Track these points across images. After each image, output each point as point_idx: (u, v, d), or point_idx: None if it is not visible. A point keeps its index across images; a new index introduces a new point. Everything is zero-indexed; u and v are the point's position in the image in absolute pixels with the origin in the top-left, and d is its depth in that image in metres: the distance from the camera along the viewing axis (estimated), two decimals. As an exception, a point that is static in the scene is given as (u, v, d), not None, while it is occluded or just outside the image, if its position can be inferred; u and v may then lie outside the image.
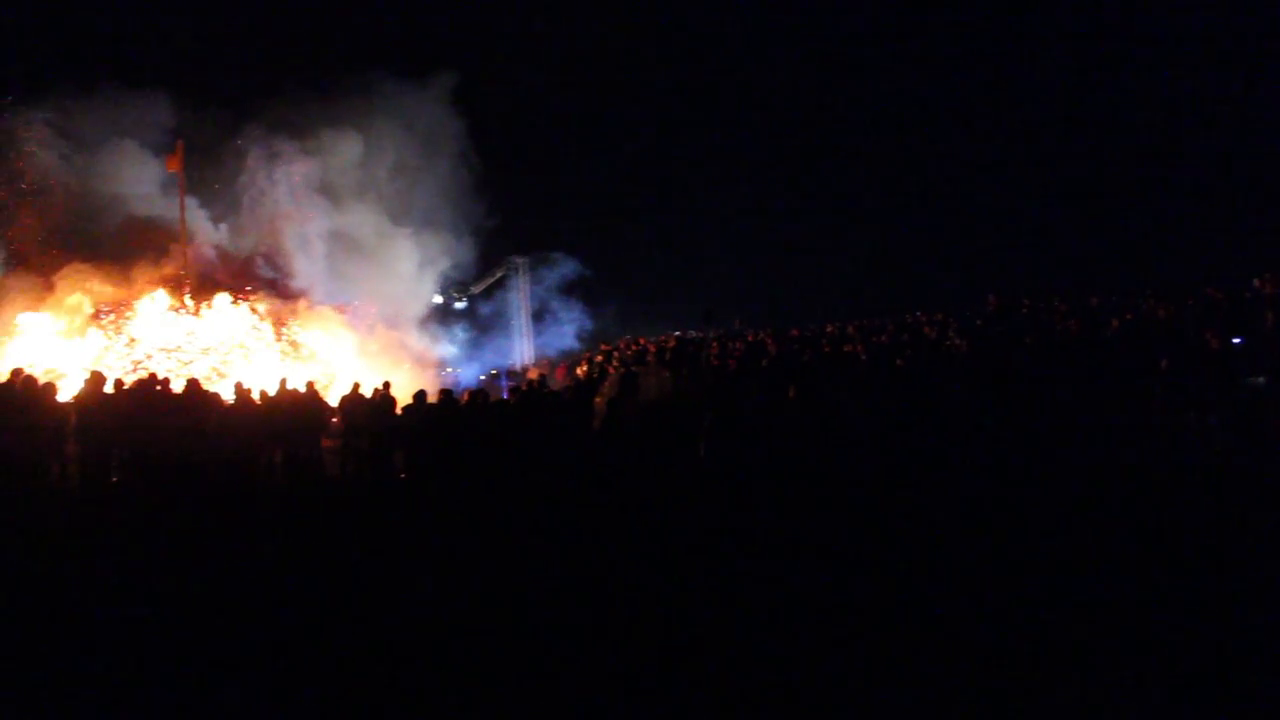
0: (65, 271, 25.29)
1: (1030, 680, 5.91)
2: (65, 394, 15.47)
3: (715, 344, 20.70)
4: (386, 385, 15.56)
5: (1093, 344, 14.80)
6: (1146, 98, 42.66)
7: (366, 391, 15.61)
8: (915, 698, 5.74)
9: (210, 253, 27.14)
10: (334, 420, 16.05)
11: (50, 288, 24.98)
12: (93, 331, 24.57)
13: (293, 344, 26.65)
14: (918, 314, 22.62)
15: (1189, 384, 12.29)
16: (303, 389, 15.61)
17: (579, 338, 36.02)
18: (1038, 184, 47.07)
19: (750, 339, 22.18)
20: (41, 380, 14.57)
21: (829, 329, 23.13)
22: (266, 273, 28.09)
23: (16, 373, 14.73)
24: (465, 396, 15.32)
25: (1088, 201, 43.42)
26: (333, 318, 27.86)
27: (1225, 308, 14.65)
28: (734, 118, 56.81)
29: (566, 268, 37.10)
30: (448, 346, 34.79)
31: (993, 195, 48.80)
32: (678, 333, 27.21)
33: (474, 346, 36.56)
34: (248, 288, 26.95)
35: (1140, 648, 6.37)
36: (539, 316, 37.93)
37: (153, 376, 14.87)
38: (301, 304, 27.68)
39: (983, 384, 13.65)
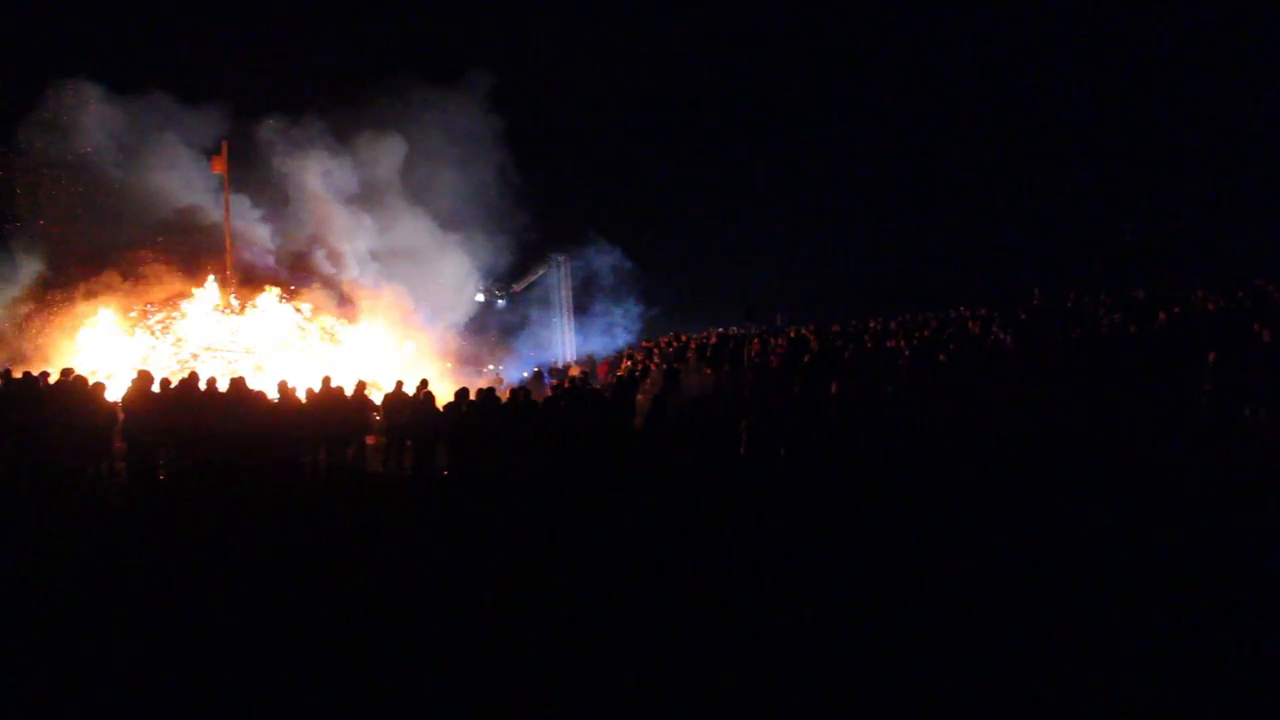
0: (113, 271, 25.83)
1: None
2: (115, 393, 15.74)
3: (756, 340, 20.70)
4: (425, 383, 15.69)
5: (1139, 338, 14.65)
6: (1201, 89, 41.92)
7: (409, 390, 15.76)
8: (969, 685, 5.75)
9: (257, 252, 27.50)
10: (377, 418, 16.22)
11: (99, 288, 25.51)
12: (140, 331, 25.05)
13: (335, 342, 26.98)
14: (961, 309, 22.41)
15: (1238, 377, 12.12)
16: (349, 388, 15.81)
17: (621, 335, 36.07)
18: (1084, 176, 46.45)
19: (792, 335, 22.15)
20: (91, 380, 14.91)
21: (872, 324, 23.03)
22: (312, 273, 28.44)
23: (66, 373, 15.08)
24: (507, 394, 15.40)
25: (1135, 194, 42.75)
26: (377, 316, 28.16)
27: (1277, 300, 14.43)
28: (776, 114, 56.63)
29: (608, 265, 37.16)
30: (490, 344, 35.03)
31: (1038, 188, 48.10)
32: (719, 329, 27.17)
33: (516, 344, 36.75)
34: (292, 287, 27.29)
35: (1190, 645, 6.34)
36: (580, 314, 38.04)
37: (194, 375, 15.07)
38: (346, 303, 28.01)
39: (1026, 379, 13.55)
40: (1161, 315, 15.55)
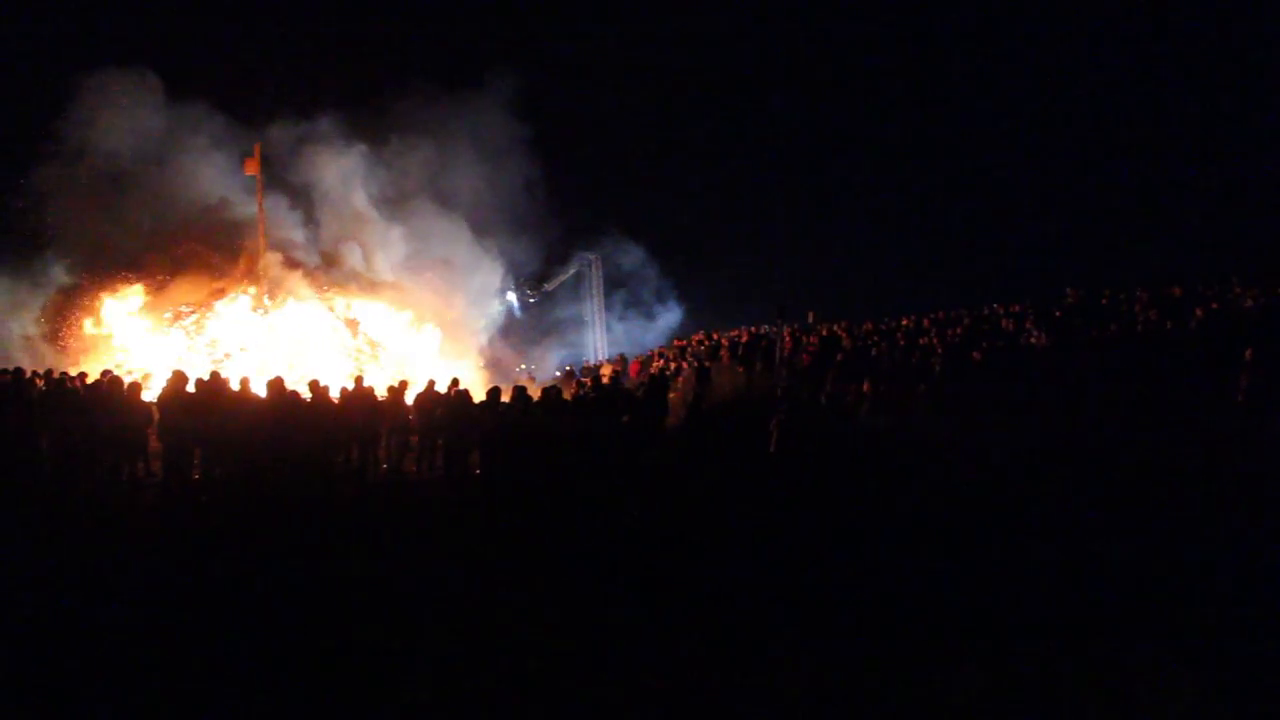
0: (148, 272, 26.25)
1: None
2: (152, 394, 15.93)
3: (788, 338, 20.69)
4: (457, 382, 15.79)
5: (1176, 335, 14.52)
6: (1236, 82, 41.33)
7: (441, 389, 15.86)
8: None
9: (291, 252, 27.78)
10: (410, 418, 16.33)
11: (135, 289, 25.94)
12: (176, 331, 25.43)
13: (370, 342, 27.25)
14: (994, 306, 22.26)
15: (1276, 374, 11.99)
16: (382, 388, 15.96)
17: (652, 334, 36.15)
18: (1117, 173, 45.93)
19: (824, 333, 22.10)
20: (127, 380, 15.13)
21: (904, 322, 22.94)
22: (345, 273, 28.71)
23: (105, 373, 15.34)
24: (539, 393, 15.44)
25: (1169, 189, 42.22)
26: (409, 316, 28.42)
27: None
28: (809, 110, 56.36)
29: (639, 264, 37.26)
30: (522, 344, 35.25)
31: (1072, 185, 47.63)
32: (751, 328, 27.15)
33: (547, 344, 36.91)
34: (326, 287, 27.59)
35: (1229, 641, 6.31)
36: (612, 313, 38.16)
37: (215, 376, 15.20)
38: (378, 303, 28.30)
39: (1062, 377, 13.47)
40: (1198, 312, 15.40)
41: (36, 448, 13.67)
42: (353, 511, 12.71)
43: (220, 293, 26.36)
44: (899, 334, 19.87)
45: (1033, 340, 16.60)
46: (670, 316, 36.81)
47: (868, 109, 55.03)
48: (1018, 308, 20.86)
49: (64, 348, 25.29)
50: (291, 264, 27.35)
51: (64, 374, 15.75)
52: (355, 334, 27.08)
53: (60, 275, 27.03)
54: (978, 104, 53.26)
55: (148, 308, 25.74)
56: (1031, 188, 48.61)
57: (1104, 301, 19.26)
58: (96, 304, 25.96)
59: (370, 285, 28.92)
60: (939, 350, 16.22)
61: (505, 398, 14.58)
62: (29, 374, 15.94)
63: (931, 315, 23.07)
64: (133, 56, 27.91)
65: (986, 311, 21.91)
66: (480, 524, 11.84)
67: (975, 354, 15.24)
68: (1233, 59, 41.70)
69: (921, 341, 17.80)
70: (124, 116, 27.27)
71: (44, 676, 6.22)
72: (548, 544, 10.19)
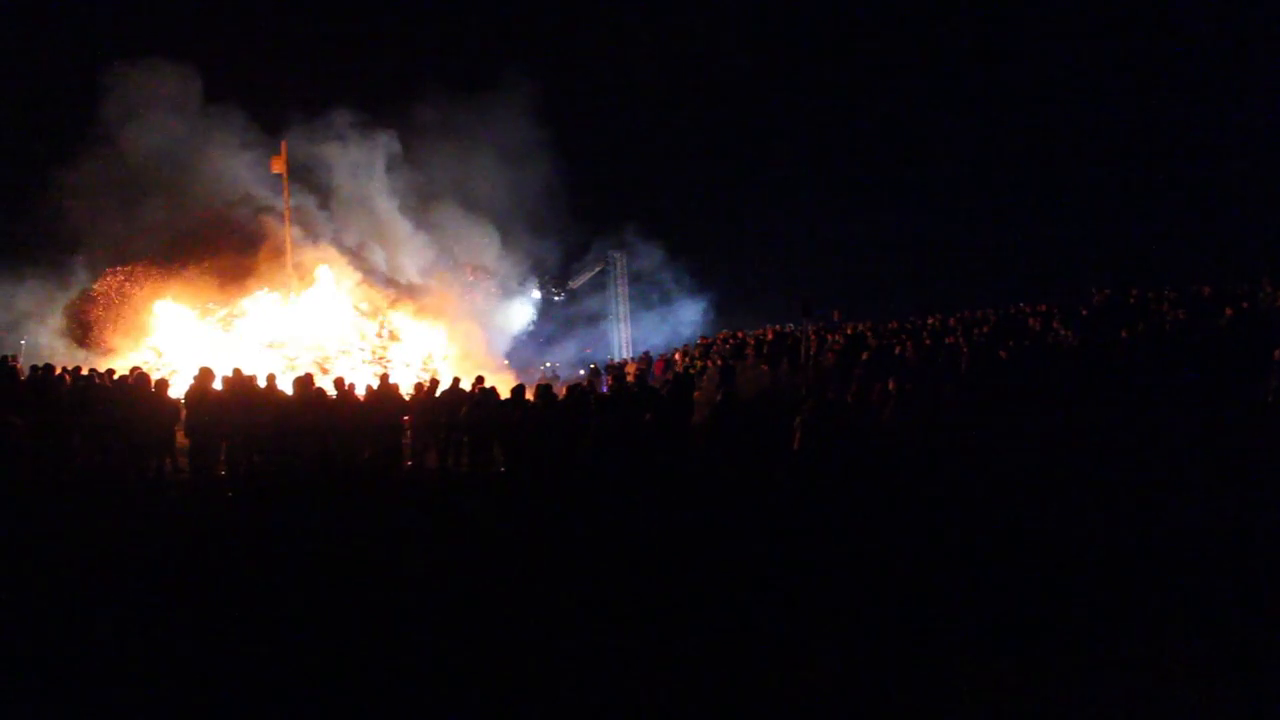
0: (177, 268, 26.58)
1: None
2: (179, 390, 16.08)
3: (813, 337, 20.68)
4: (482, 380, 15.89)
5: (1204, 334, 14.43)
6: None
7: (465, 386, 15.95)
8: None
9: (317, 250, 28.02)
10: (435, 416, 16.41)
11: (163, 285, 26.26)
12: (204, 328, 25.72)
13: (394, 338, 27.45)
14: (1021, 305, 22.17)
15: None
16: (407, 385, 16.10)
17: (677, 332, 36.12)
18: (1147, 170, 45.47)
19: (849, 331, 22.08)
20: (155, 377, 15.34)
21: (930, 320, 22.88)
22: (371, 271, 28.94)
23: (133, 370, 15.57)
24: (563, 391, 15.50)
25: (1199, 187, 41.74)
26: (434, 314, 28.61)
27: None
28: (832, 107, 56.19)
29: (663, 261, 37.26)
30: (546, 341, 35.38)
31: (1098, 182, 47.23)
32: (776, 326, 27.14)
33: (572, 342, 37.02)
34: (352, 284, 27.81)
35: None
36: (637, 310, 38.19)
37: (240, 373, 15.39)
38: (404, 301, 28.52)
39: (1090, 376, 13.42)
40: (1228, 311, 15.30)
41: (66, 444, 13.89)
42: (376, 507, 12.75)
43: (247, 289, 26.65)
44: (925, 333, 19.82)
45: (1062, 335, 16.55)
46: (695, 314, 36.78)
47: (895, 106, 54.73)
48: (1044, 307, 20.77)
49: (92, 344, 25.63)
50: (317, 261, 27.60)
51: (93, 370, 15.97)
52: (380, 331, 27.28)
53: (88, 271, 27.38)
54: (1008, 100, 52.91)
55: (175, 304, 26.04)
56: (1061, 186, 48.28)
57: (1132, 301, 19.15)
58: (124, 300, 26.28)
59: (395, 283, 29.15)
60: (965, 349, 16.18)
61: (529, 395, 14.66)
62: (59, 370, 16.21)
63: (957, 314, 23.01)
64: (158, 52, 28.22)
65: (1013, 310, 21.83)
66: (504, 520, 11.86)
67: (1001, 352, 15.20)
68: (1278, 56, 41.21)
69: (948, 340, 17.75)
70: (160, 111, 27.62)
71: (73, 669, 6.30)
72: (571, 540, 10.23)
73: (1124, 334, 15.03)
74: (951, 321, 21.64)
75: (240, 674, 6.26)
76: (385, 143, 29.87)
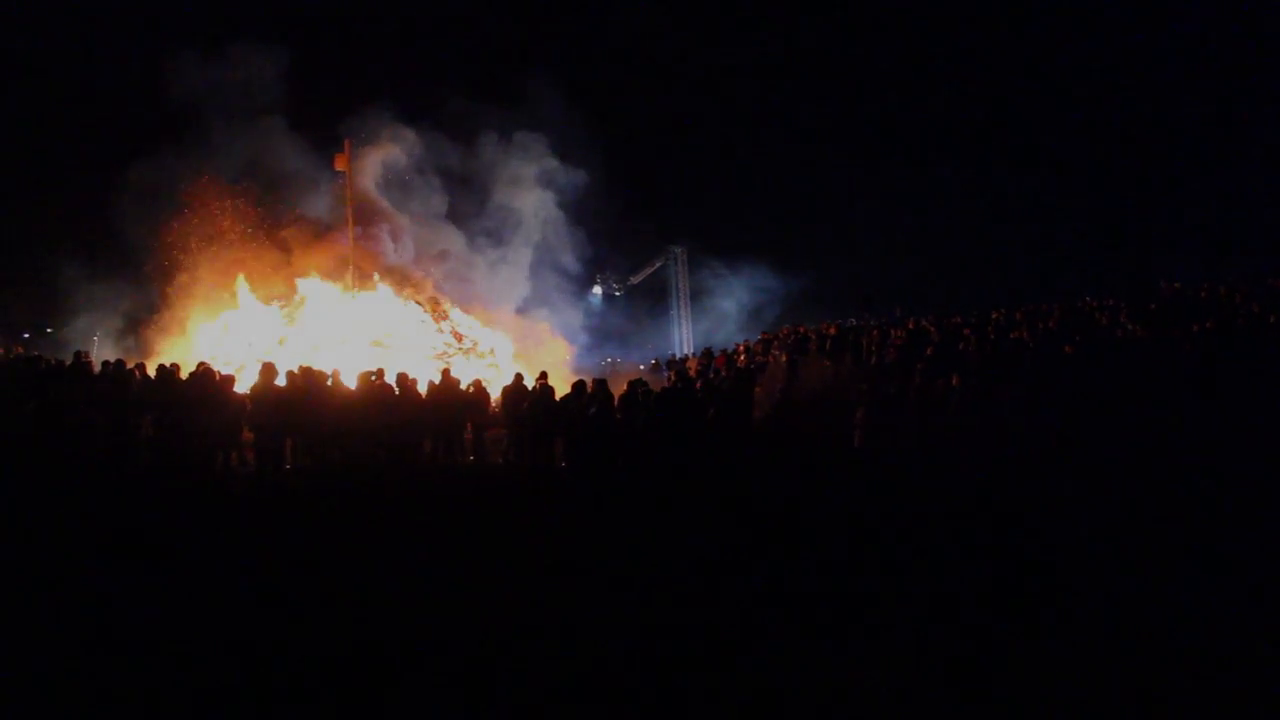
0: (241, 265, 27.10)
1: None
2: (245, 385, 16.39)
3: (876, 332, 20.58)
4: (544, 375, 16.06)
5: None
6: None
7: (528, 383, 16.14)
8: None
9: (380, 248, 28.34)
10: (496, 411, 16.62)
11: (228, 283, 26.83)
12: (269, 324, 26.21)
13: (456, 335, 27.71)
14: (1088, 299, 21.83)
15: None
16: (466, 383, 16.35)
17: (738, 326, 36.01)
18: (1211, 167, 44.25)
19: (912, 326, 21.91)
20: (220, 373, 15.71)
21: (994, 315, 22.62)
22: (433, 268, 29.24)
23: (200, 365, 15.98)
24: (624, 387, 15.62)
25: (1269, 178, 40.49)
26: (494, 309, 28.89)
27: None
28: (898, 102, 55.54)
29: (725, 255, 37.13)
30: (607, 337, 35.52)
31: (1165, 175, 46.09)
32: (838, 321, 26.98)
33: (633, 337, 37.10)
34: (414, 282, 28.13)
35: None
36: (698, 305, 38.14)
37: (304, 369, 15.60)
38: (467, 298, 28.83)
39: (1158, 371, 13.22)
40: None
41: (135, 437, 14.28)
42: (436, 501, 12.92)
43: (310, 287, 27.06)
44: (989, 327, 19.62)
45: (1129, 331, 16.30)
46: (757, 309, 36.62)
47: (961, 101, 54.00)
48: (1112, 301, 20.45)
49: (161, 339, 26.29)
50: (380, 259, 27.95)
51: (161, 365, 16.38)
52: (441, 328, 27.55)
53: (158, 269, 27.85)
54: (1074, 94, 51.87)
55: (241, 300, 26.54)
56: (1130, 180, 47.30)
57: (1203, 295, 18.80)
58: (191, 297, 26.86)
59: (457, 279, 29.41)
60: (1030, 344, 16.01)
61: (590, 391, 14.79)
62: (130, 365, 16.61)
63: (1023, 308, 22.72)
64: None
65: (1080, 305, 21.52)
66: (563, 515, 11.89)
67: (1068, 347, 15.02)
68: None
69: (1012, 335, 17.57)
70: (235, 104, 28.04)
71: (138, 657, 6.43)
72: (630, 536, 10.27)
73: (1195, 328, 14.79)
74: (1017, 315, 21.37)
75: (305, 661, 6.35)
76: (445, 140, 30.15)
